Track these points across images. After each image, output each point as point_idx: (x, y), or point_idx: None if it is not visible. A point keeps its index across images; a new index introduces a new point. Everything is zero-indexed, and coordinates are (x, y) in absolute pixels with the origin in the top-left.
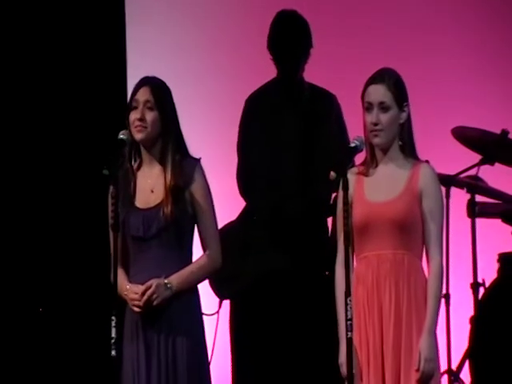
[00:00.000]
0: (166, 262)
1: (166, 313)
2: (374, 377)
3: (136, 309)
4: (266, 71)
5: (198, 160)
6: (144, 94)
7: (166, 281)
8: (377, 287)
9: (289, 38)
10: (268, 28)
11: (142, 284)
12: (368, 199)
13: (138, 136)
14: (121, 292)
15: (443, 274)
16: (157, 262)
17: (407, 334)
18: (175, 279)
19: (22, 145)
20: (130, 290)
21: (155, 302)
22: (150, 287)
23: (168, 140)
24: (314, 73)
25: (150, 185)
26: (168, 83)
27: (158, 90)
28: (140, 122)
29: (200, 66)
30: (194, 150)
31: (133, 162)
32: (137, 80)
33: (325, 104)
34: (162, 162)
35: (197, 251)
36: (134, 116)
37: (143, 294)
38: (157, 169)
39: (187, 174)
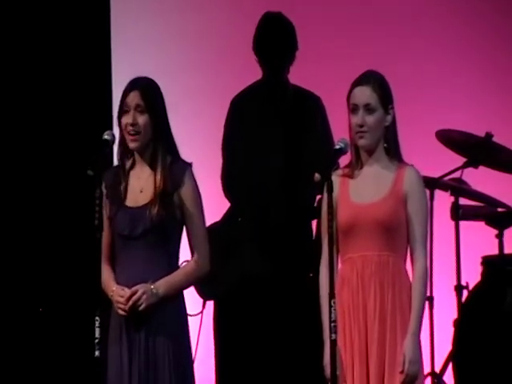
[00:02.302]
0: (150, 263)
1: (151, 314)
2: (358, 378)
3: (121, 312)
4: (253, 66)
5: (189, 164)
6: (134, 98)
7: (152, 286)
8: (362, 288)
9: (274, 41)
10: (256, 22)
11: (125, 284)
12: (353, 201)
13: (132, 145)
14: (107, 291)
15: (427, 276)
16: (140, 262)
17: (391, 336)
18: (162, 285)
19: (6, 146)
20: (116, 292)
21: (141, 308)
22: (135, 293)
23: (159, 142)
24: (300, 74)
25: (140, 185)
26: (152, 78)
27: (148, 93)
28: (132, 127)
29: (185, 61)
30: (179, 147)
31: (126, 160)
32: (122, 76)
33: (309, 106)
34: (153, 164)
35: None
36: (125, 121)
37: (129, 299)
38: (148, 169)
39: (177, 177)
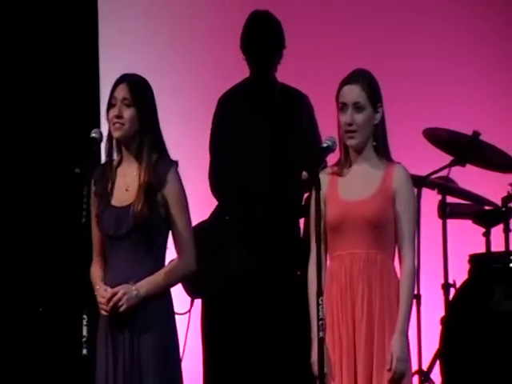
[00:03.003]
0: (134, 263)
1: (135, 314)
2: (346, 376)
3: (103, 312)
4: (242, 66)
5: (175, 162)
6: (121, 91)
7: (133, 287)
8: (350, 286)
9: (261, 39)
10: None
11: (110, 284)
12: (342, 198)
13: (116, 134)
14: (94, 289)
15: (415, 274)
16: (125, 261)
17: (379, 334)
18: (144, 286)
19: None
20: (99, 292)
21: (121, 309)
22: (116, 293)
23: (145, 138)
24: (288, 73)
25: (126, 183)
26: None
27: (136, 87)
28: (117, 119)
29: (173, 59)
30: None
31: (114, 156)
32: (109, 75)
33: (296, 104)
34: (138, 160)
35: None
36: (111, 113)
37: (110, 299)
38: (134, 167)
39: (161, 175)
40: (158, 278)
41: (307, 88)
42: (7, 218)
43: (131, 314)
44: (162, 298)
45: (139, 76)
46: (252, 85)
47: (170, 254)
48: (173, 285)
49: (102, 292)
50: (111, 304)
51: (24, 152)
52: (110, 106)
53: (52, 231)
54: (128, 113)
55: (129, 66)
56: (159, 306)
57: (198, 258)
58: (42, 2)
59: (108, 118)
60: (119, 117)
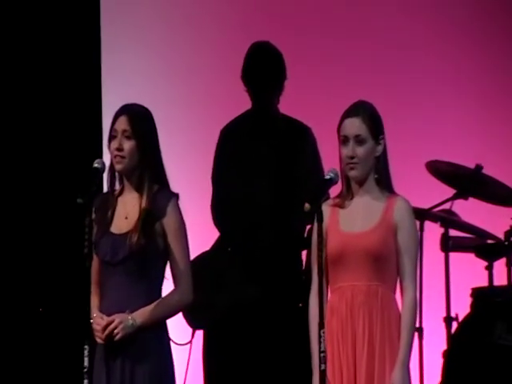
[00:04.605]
0: (129, 291)
1: (130, 343)
2: None
3: (98, 340)
4: (243, 99)
5: (175, 194)
6: (121, 124)
7: (129, 317)
8: (351, 318)
9: (262, 71)
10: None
11: (106, 311)
12: (343, 230)
13: (118, 167)
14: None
15: (417, 307)
16: (120, 288)
17: (380, 366)
18: (140, 315)
19: None
20: (95, 320)
21: (116, 338)
22: (112, 322)
23: (146, 169)
24: (290, 105)
25: (126, 211)
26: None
27: (136, 119)
28: (118, 152)
29: (174, 93)
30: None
31: (116, 186)
32: (111, 106)
33: (299, 136)
34: (139, 191)
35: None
36: (113, 146)
37: (105, 327)
38: (135, 196)
39: (161, 206)
40: (154, 308)
41: (309, 120)
42: (9, 248)
43: (126, 343)
44: (158, 328)
45: (140, 106)
46: (254, 116)
47: (170, 285)
48: (169, 316)
49: (98, 320)
50: (107, 332)
51: (27, 180)
52: (111, 137)
53: (54, 262)
54: (128, 145)
55: (131, 94)
56: (155, 336)
57: (199, 288)
58: (47, 28)
59: (109, 150)
60: (120, 149)
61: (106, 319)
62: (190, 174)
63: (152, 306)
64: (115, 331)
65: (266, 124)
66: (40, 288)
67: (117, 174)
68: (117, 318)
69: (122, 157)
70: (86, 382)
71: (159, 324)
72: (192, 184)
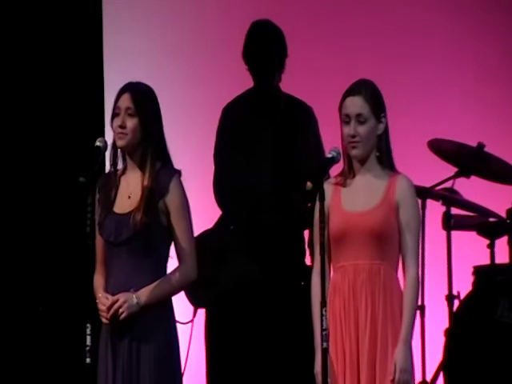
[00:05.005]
0: (134, 270)
1: (135, 322)
2: None
3: (104, 320)
4: (244, 78)
5: (177, 171)
6: (125, 101)
7: (134, 295)
8: (353, 297)
9: (263, 49)
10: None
11: (111, 291)
12: (345, 209)
13: (119, 143)
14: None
15: (419, 285)
16: (125, 268)
17: (382, 345)
18: (144, 294)
19: None
20: (99, 300)
21: (121, 317)
22: (116, 301)
23: (148, 146)
24: (292, 84)
25: (129, 190)
26: None
27: (139, 97)
28: (121, 129)
29: (177, 70)
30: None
31: (119, 165)
32: (114, 85)
33: (301, 115)
34: (142, 169)
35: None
36: (115, 123)
37: (110, 307)
38: (137, 175)
39: (163, 183)
40: (158, 285)
41: (310, 99)
42: (12, 226)
43: (132, 322)
44: (163, 306)
45: (143, 84)
46: (255, 94)
47: (174, 263)
48: (174, 293)
49: (103, 300)
50: (111, 312)
51: (29, 160)
52: (114, 115)
53: (56, 241)
54: (131, 123)
55: (134, 74)
56: (160, 314)
57: (201, 266)
58: (48, 12)
59: (112, 128)
60: (122, 127)
61: (110, 299)
62: (193, 152)
63: (156, 283)
64: (120, 310)
65: (267, 102)
66: (43, 268)
67: (119, 152)
68: (121, 297)
69: (125, 133)
70: (88, 360)
71: (164, 302)
72: (195, 162)
